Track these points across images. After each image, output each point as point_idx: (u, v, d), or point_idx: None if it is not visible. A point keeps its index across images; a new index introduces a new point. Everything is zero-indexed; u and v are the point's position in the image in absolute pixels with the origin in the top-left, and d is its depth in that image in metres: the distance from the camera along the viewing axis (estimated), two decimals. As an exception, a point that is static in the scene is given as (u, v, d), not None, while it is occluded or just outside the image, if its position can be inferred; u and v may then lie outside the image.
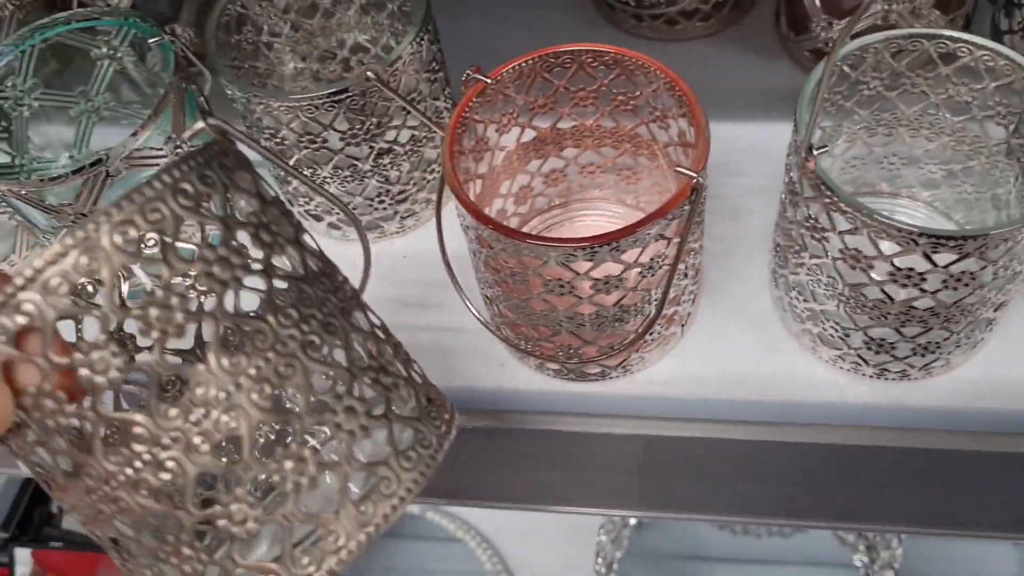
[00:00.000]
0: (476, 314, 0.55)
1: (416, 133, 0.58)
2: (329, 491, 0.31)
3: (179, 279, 0.29)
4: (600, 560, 1.01)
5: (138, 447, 0.29)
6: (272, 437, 0.34)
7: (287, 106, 0.53)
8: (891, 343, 0.51)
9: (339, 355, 0.33)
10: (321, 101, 0.52)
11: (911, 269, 0.45)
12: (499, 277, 0.50)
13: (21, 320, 0.27)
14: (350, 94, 0.52)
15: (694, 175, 0.46)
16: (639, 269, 0.48)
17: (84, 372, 0.27)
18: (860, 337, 0.51)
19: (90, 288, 0.34)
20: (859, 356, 0.53)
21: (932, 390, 0.53)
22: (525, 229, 0.61)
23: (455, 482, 0.62)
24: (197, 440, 0.29)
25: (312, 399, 0.31)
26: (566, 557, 1.07)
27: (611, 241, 0.45)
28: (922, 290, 0.46)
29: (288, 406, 0.31)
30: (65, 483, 0.31)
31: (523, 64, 0.52)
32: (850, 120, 0.55)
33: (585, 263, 0.46)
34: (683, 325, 0.57)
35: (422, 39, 0.55)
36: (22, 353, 0.27)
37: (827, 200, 0.45)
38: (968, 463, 0.54)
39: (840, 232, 0.46)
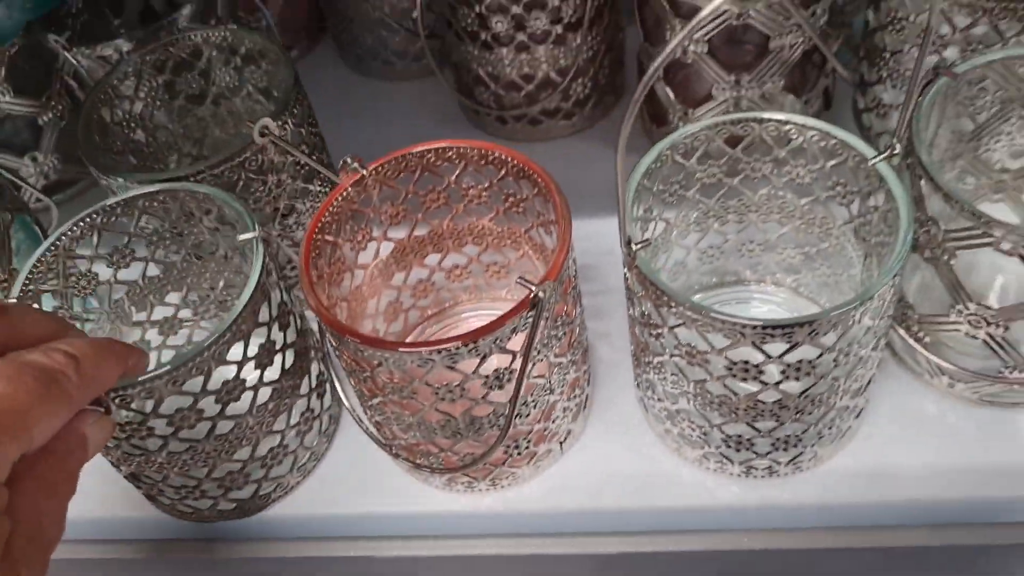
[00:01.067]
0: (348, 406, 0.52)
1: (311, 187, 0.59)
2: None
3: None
4: None
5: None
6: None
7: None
8: (748, 439, 0.48)
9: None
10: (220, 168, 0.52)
11: (746, 362, 0.43)
12: (348, 372, 0.48)
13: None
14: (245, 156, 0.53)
15: (532, 287, 0.43)
16: (482, 380, 0.45)
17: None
18: (718, 435, 0.48)
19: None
20: (722, 455, 0.50)
21: (803, 486, 0.51)
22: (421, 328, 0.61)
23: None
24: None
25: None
26: None
27: (443, 347, 0.42)
28: (763, 383, 0.44)
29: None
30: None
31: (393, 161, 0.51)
32: (696, 209, 0.54)
33: (420, 369, 0.43)
34: (562, 442, 0.53)
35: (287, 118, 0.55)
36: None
37: (654, 296, 0.43)
38: (850, 562, 0.51)
39: (671, 328, 0.44)
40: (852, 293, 0.53)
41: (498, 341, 0.43)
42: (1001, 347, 0.48)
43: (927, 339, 0.52)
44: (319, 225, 0.49)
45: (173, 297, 0.59)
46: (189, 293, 0.59)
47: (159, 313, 0.59)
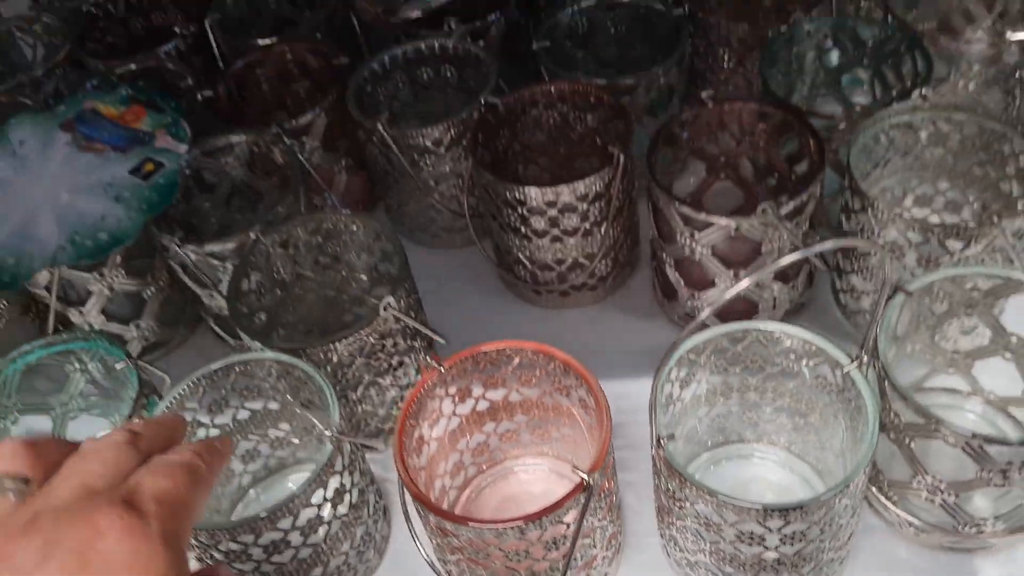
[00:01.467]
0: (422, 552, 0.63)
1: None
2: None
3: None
4: None
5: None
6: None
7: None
8: (754, 586, 0.60)
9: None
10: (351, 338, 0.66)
11: (752, 532, 0.55)
12: (431, 534, 0.59)
13: None
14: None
15: (584, 476, 0.55)
16: (543, 545, 0.57)
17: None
18: (729, 582, 0.60)
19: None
20: (732, 596, 0.61)
21: (799, 621, 0.62)
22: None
23: None
24: None
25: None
26: None
27: (515, 524, 0.54)
28: (765, 547, 0.55)
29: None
30: None
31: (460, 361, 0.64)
32: (706, 391, 0.66)
33: (495, 539, 0.55)
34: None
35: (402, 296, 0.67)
36: None
37: (678, 480, 0.55)
38: None
39: (691, 503, 0.56)
40: (835, 455, 0.66)
41: (556, 517, 0.55)
42: (953, 510, 0.60)
43: (895, 497, 0.64)
44: (408, 415, 0.61)
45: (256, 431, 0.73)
46: (269, 430, 0.73)
47: (243, 446, 0.73)
